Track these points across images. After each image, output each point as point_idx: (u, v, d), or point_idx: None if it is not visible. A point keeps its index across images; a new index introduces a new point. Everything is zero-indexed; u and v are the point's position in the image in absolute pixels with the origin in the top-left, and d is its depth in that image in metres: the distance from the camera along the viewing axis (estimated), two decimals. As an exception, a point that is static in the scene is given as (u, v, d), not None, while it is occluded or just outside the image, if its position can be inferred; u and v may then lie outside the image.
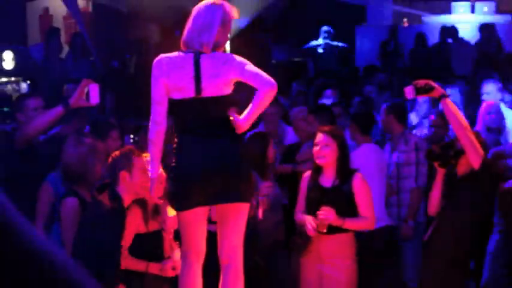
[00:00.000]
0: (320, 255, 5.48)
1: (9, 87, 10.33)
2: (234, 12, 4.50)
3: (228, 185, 4.34)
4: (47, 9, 16.33)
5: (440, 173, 5.59)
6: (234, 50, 14.37)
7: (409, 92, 5.44)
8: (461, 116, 5.34)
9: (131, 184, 4.74)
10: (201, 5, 4.46)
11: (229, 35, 4.50)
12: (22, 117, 6.23)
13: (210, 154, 4.32)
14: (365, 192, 5.50)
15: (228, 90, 4.41)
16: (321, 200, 5.41)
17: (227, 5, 4.48)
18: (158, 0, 14.44)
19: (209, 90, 4.34)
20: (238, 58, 4.38)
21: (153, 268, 4.82)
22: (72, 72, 11.54)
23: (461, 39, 14.00)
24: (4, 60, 10.38)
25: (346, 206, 5.43)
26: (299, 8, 16.21)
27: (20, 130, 6.08)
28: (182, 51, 4.46)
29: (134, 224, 4.84)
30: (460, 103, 8.28)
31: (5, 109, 9.25)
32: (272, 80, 4.29)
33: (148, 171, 4.62)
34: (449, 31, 14.06)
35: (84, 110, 7.04)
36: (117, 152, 4.90)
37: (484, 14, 16.11)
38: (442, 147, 5.55)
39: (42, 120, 5.81)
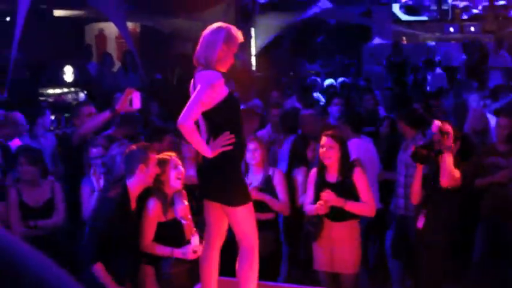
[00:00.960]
0: (331, 240, 5.48)
1: (69, 96, 10.39)
2: (239, 35, 4.39)
3: (207, 184, 4.35)
4: (102, 30, 16.40)
5: (420, 168, 5.58)
6: (259, 65, 14.47)
7: (436, 126, 5.42)
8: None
9: (146, 176, 4.78)
10: (208, 27, 4.38)
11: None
12: (78, 121, 6.35)
13: (203, 156, 4.33)
14: (364, 182, 5.48)
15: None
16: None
17: (233, 28, 4.38)
18: (193, 22, 14.46)
19: None
20: (201, 85, 4.18)
21: (177, 253, 4.89)
22: (123, 84, 11.57)
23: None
24: (65, 73, 10.45)
25: (350, 197, 5.42)
26: (313, 28, 16.09)
27: (76, 131, 6.16)
28: None
29: (155, 215, 4.89)
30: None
31: (66, 115, 9.29)
32: (181, 118, 4.04)
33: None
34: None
35: (135, 118, 7.08)
36: (133, 146, 4.91)
37: (471, 34, 15.98)
38: (426, 149, 5.50)
39: (93, 122, 5.94)
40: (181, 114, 4.05)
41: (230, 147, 4.18)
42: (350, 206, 5.38)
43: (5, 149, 6.57)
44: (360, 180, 5.47)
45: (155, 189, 4.93)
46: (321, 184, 5.49)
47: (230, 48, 4.30)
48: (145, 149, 4.86)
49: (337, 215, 5.43)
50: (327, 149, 5.46)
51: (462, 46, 14.07)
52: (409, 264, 6.32)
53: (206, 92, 4.14)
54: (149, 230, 4.86)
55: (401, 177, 6.69)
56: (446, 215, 5.51)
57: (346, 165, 5.49)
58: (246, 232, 4.33)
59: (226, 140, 4.19)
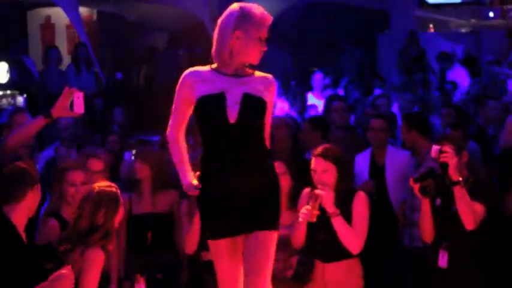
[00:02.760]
0: (325, 285, 5.41)
1: (4, 101, 10.28)
2: (263, 14, 4.24)
3: None
4: (48, 18, 16.34)
5: (427, 201, 5.51)
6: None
7: (435, 151, 5.37)
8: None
9: (34, 204, 4.74)
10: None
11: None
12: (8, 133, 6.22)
13: None
14: (361, 211, 5.42)
15: None
16: (317, 227, 5.30)
17: (252, 6, 4.25)
18: (166, 8, 14.44)
19: None
20: None
21: None
22: (73, 85, 11.46)
23: None
24: (-1, 72, 10.34)
25: None
26: (317, 15, 16.00)
27: (1, 143, 6.03)
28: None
29: (99, 267, 4.76)
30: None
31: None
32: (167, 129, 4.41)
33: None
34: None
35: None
36: (19, 165, 4.82)
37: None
38: (432, 178, 5.41)
39: (23, 131, 5.68)
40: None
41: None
42: (337, 222, 5.27)
43: None
44: (359, 209, 5.41)
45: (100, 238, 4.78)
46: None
47: (249, 33, 4.18)
48: (34, 169, 4.81)
49: (330, 254, 5.37)
50: (319, 173, 5.36)
51: (507, 35, 14.03)
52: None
53: (175, 95, 4.31)
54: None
55: (416, 200, 6.60)
56: (476, 250, 5.50)
57: (345, 190, 5.42)
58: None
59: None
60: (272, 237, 4.26)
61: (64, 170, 5.53)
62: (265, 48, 4.23)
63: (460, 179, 5.33)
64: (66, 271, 4.44)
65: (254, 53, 4.24)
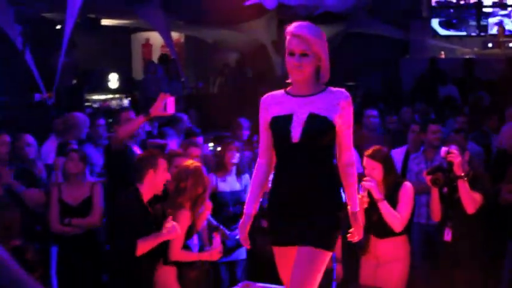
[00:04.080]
0: (377, 257, 5.30)
1: (113, 102, 10.49)
2: (288, 29, 3.51)
3: None
4: (148, 40, 16.52)
5: (435, 190, 5.43)
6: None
7: (443, 151, 5.29)
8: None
9: (155, 182, 4.76)
10: None
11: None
12: (118, 127, 6.28)
13: None
14: (405, 197, 5.25)
15: None
16: (371, 210, 5.20)
17: (290, 25, 3.53)
18: (237, 34, 14.48)
19: None
20: None
21: (204, 256, 4.93)
22: (166, 91, 11.58)
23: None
24: (110, 80, 10.55)
25: None
26: (350, 43, 15.77)
27: (113, 137, 6.15)
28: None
29: (187, 225, 4.85)
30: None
31: (110, 120, 9.36)
32: None
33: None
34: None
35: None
36: (143, 153, 4.96)
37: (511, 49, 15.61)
38: (441, 172, 5.34)
39: (129, 126, 5.82)
40: None
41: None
42: (383, 206, 5.14)
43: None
44: (404, 196, 5.24)
45: (193, 201, 4.87)
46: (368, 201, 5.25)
47: (286, 50, 3.52)
48: (154, 154, 4.86)
49: (381, 232, 5.24)
50: (369, 170, 5.24)
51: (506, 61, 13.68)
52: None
53: (259, 120, 3.73)
54: (179, 239, 4.80)
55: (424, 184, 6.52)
56: (474, 230, 5.42)
57: (392, 182, 5.28)
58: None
59: None
60: (317, 255, 3.46)
61: (173, 155, 5.59)
62: (296, 62, 3.44)
63: (463, 174, 5.27)
64: (175, 224, 4.66)
65: (289, 69, 3.52)
